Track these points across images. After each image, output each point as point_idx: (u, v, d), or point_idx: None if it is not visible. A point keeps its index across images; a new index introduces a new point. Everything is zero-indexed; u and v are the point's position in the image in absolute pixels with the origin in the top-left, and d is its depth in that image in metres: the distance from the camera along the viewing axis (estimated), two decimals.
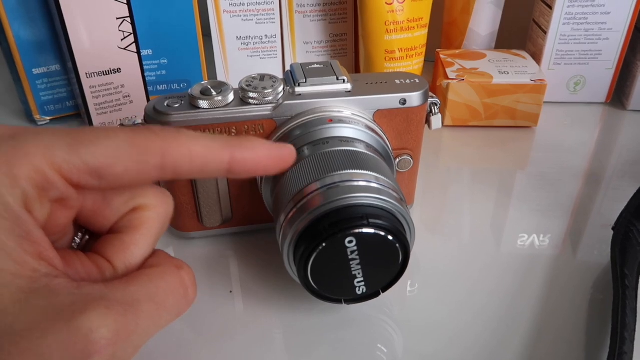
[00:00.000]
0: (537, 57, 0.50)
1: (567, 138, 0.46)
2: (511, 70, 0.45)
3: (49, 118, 0.48)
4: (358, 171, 0.26)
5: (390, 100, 0.30)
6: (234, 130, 0.29)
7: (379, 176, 0.26)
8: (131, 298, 0.19)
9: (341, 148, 0.27)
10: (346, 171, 0.26)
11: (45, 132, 0.19)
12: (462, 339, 0.27)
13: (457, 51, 0.50)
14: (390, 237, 0.24)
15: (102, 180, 0.20)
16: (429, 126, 0.33)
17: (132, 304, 0.19)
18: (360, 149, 0.28)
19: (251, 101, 0.29)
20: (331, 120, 0.29)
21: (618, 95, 0.51)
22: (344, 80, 0.30)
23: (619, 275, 0.29)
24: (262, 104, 0.29)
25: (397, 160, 0.32)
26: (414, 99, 0.30)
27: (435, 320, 0.29)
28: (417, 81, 0.31)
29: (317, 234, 0.24)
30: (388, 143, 0.31)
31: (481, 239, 0.34)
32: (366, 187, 0.25)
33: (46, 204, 0.19)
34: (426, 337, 0.28)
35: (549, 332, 0.28)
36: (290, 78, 0.30)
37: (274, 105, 0.29)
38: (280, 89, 0.29)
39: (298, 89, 0.30)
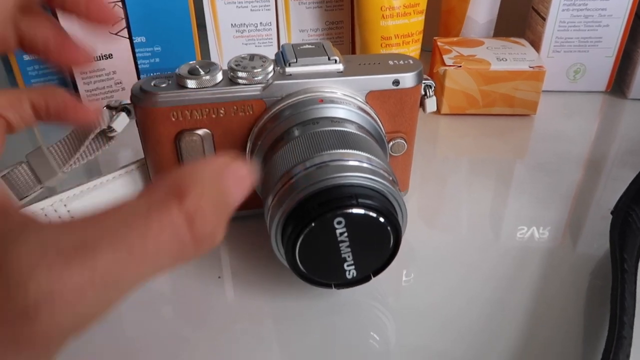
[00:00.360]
0: (536, 44, 0.49)
1: (567, 127, 0.45)
2: (509, 57, 0.45)
3: None
4: (349, 151, 0.25)
5: (382, 80, 0.29)
6: (222, 111, 0.28)
7: (371, 157, 0.25)
8: (85, 244, 0.14)
9: (332, 128, 0.27)
10: (336, 150, 0.25)
11: None
12: (456, 328, 0.27)
13: (455, 39, 0.49)
14: (380, 219, 0.23)
15: None
16: (424, 109, 0.32)
17: (85, 252, 0.14)
18: (352, 129, 0.27)
19: (240, 81, 0.28)
20: (322, 101, 0.28)
21: (618, 84, 0.50)
22: (335, 61, 0.29)
23: (617, 259, 0.28)
24: (251, 84, 0.28)
25: (391, 143, 0.32)
26: (408, 79, 0.30)
27: (429, 310, 0.28)
28: (411, 62, 0.31)
29: (305, 214, 0.23)
30: (381, 125, 0.30)
31: (479, 230, 0.34)
32: (357, 166, 0.24)
33: None
34: (420, 326, 0.27)
35: (547, 321, 0.27)
36: (281, 58, 0.30)
37: (263, 85, 0.28)
38: (270, 68, 0.28)
39: (288, 69, 0.29)
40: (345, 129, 0.27)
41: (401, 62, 0.30)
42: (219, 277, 0.30)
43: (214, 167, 0.16)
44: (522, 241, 0.32)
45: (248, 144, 0.30)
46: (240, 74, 0.28)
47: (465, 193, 0.37)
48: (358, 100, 0.29)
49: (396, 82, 0.29)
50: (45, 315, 0.13)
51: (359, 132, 0.27)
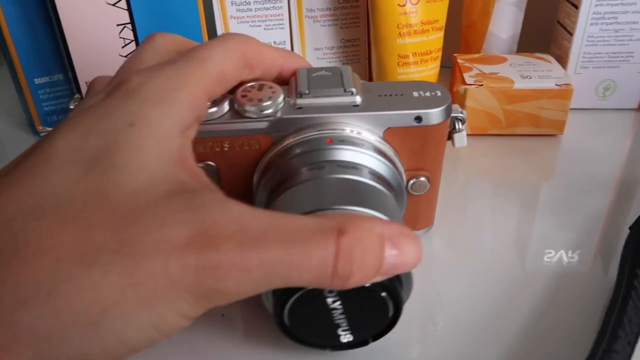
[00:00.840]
0: (562, 60, 0.47)
1: (596, 147, 0.43)
2: (534, 74, 0.43)
3: (51, 129, 0.46)
4: (353, 208, 0.22)
5: (403, 117, 0.26)
6: (226, 145, 0.27)
7: (379, 216, 0.22)
8: (265, 236, 0.17)
9: (340, 176, 0.24)
10: (340, 207, 0.22)
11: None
12: None
13: (476, 55, 0.47)
14: (378, 291, 0.21)
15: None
16: (452, 143, 0.29)
17: (263, 243, 0.17)
18: (363, 177, 0.25)
19: (247, 114, 0.26)
20: (331, 141, 0.26)
21: None
22: (352, 93, 0.27)
23: (626, 273, 0.27)
24: (258, 118, 0.26)
25: (411, 182, 0.29)
26: (432, 116, 0.27)
27: (454, 345, 0.26)
28: (439, 94, 0.27)
29: None
30: (399, 166, 0.28)
31: (504, 256, 0.32)
32: None
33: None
34: None
35: (581, 347, 0.25)
36: (294, 87, 0.28)
37: (271, 119, 0.26)
38: (280, 99, 0.27)
39: (299, 101, 0.27)
40: (354, 178, 0.24)
41: (427, 93, 0.27)
42: (223, 315, 0.28)
43: (385, 231, 0.19)
44: (550, 265, 0.31)
45: (255, 178, 0.28)
46: (247, 107, 0.26)
47: (489, 217, 0.35)
48: (374, 137, 0.27)
49: (418, 119, 0.27)
50: (222, 278, 0.17)
51: (369, 181, 0.25)
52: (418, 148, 0.28)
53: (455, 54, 0.47)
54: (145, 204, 0.17)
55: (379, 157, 0.26)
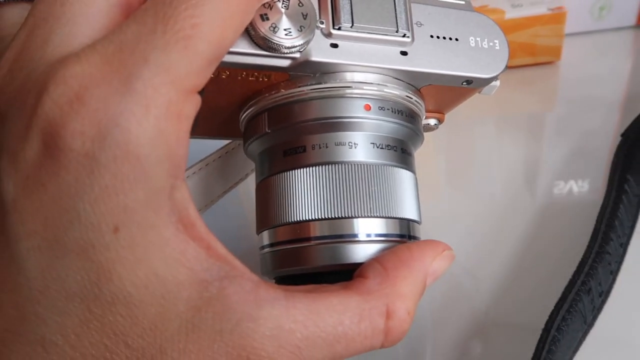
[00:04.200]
0: None
1: (597, 70, 0.42)
2: (525, 2, 0.41)
3: None
4: (389, 218, 0.19)
5: (451, 79, 0.21)
6: (225, 74, 0.20)
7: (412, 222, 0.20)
8: (306, 341, 0.15)
9: (374, 161, 0.20)
10: (374, 218, 0.19)
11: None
12: (494, 293, 0.25)
13: None
14: None
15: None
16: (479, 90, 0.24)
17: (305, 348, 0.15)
18: (396, 161, 0.20)
19: (268, 44, 0.18)
20: (369, 108, 0.20)
21: None
22: (404, 35, 0.20)
23: (616, 179, 0.27)
24: (282, 55, 0.19)
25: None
26: (483, 82, 0.21)
27: (467, 287, 0.26)
28: (497, 46, 0.21)
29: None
30: (422, 117, 0.23)
31: (513, 191, 0.31)
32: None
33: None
34: (457, 291, 0.25)
35: None
36: (329, 8, 0.19)
37: (296, 58, 0.19)
38: (313, 28, 0.19)
39: (336, 35, 0.19)
40: (390, 165, 0.20)
41: (485, 42, 0.21)
42: None
43: (427, 264, 0.18)
44: (561, 197, 0.30)
45: (247, 112, 0.21)
46: (270, 37, 0.18)
47: (495, 153, 0.35)
48: (408, 93, 0.21)
49: (468, 82, 0.21)
50: None
51: (403, 169, 0.20)
52: (449, 100, 0.23)
53: None
54: (167, 344, 0.14)
55: (410, 124, 0.21)
